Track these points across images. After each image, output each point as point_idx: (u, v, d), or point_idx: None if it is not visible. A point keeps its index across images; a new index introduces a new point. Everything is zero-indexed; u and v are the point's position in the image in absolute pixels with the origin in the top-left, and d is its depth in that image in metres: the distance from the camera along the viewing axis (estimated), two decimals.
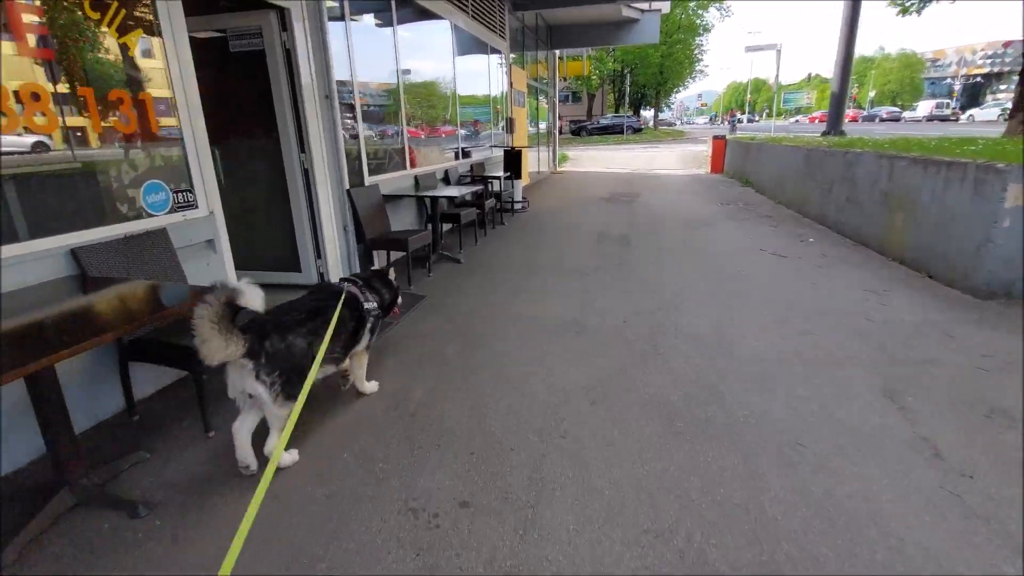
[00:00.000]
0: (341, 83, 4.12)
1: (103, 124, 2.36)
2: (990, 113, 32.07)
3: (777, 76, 15.84)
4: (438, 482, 1.95)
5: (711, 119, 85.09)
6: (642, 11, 12.58)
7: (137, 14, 2.48)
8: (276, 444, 1.92)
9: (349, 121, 4.36)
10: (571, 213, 8.15)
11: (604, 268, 4.84)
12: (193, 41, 2.72)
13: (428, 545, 1.65)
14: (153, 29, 2.55)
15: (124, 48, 2.41)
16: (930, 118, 36.92)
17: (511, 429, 2.28)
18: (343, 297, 2.15)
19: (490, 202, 6.64)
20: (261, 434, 2.00)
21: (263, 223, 4.21)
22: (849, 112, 48.47)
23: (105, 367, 2.38)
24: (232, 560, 0.56)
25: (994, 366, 2.71)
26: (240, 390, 1.89)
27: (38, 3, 2.10)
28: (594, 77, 34.48)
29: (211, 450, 2.19)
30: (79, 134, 2.29)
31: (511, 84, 9.74)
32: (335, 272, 4.14)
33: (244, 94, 3.91)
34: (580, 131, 34.93)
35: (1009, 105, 31.41)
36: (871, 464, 1.97)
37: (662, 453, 2.08)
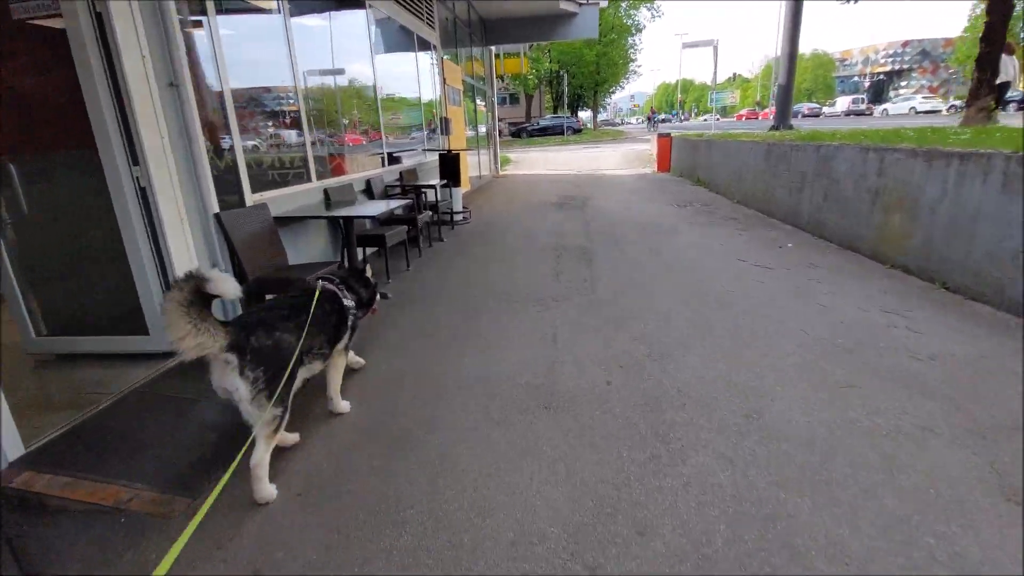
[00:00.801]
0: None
1: None
2: (901, 107, 34.17)
3: (715, 72, 15.72)
4: None
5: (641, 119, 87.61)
6: (579, 3, 11.89)
7: None
8: (261, 455, 1.78)
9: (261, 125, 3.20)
10: (520, 222, 7.22)
11: (567, 295, 3.93)
12: None
13: None
14: None
15: None
16: (847, 113, 39.03)
17: None
18: (319, 291, 2.13)
19: (425, 215, 5.59)
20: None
21: (91, 268, 2.98)
22: (775, 109, 50.85)
23: None
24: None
25: None
26: (221, 387, 1.76)
27: None
28: (531, 77, 33.92)
29: None
30: None
31: (444, 80, 8.71)
32: None
33: (50, 87, 2.70)
34: (520, 133, 34.24)
35: (916, 102, 33.70)
36: None
37: None
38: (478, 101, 12.63)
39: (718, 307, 3.51)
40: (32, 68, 2.76)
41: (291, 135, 4.16)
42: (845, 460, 1.88)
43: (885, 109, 36.12)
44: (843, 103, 41.95)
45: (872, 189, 4.49)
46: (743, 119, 49.25)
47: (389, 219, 5.02)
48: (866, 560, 1.45)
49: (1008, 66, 8.34)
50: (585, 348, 2.96)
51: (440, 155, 7.16)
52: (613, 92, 47.49)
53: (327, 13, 4.96)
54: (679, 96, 72.33)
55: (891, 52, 76.09)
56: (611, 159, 17.83)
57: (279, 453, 2.05)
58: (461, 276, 4.69)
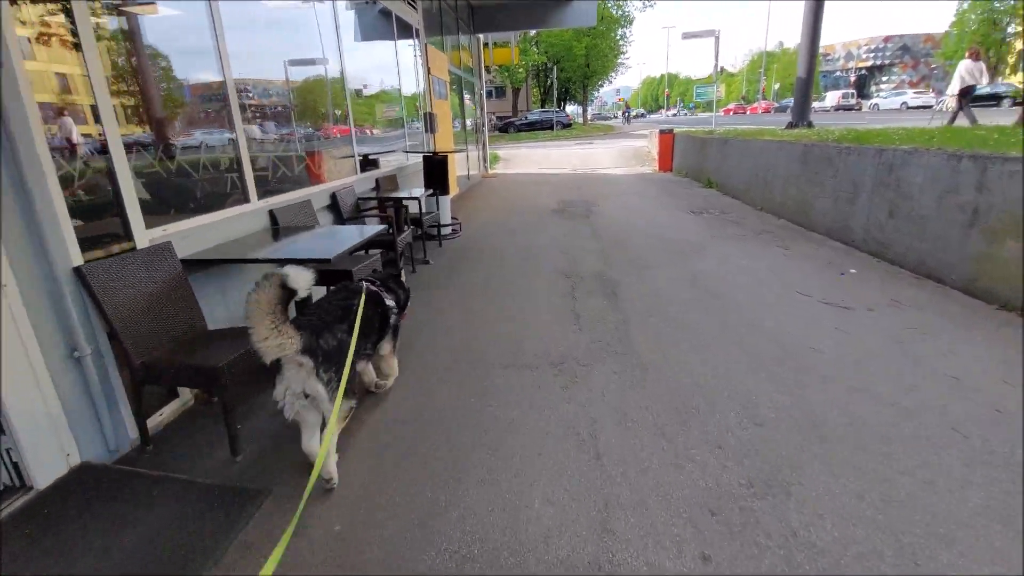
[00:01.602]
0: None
1: None
2: (892, 102, 33.63)
3: (716, 64, 14.77)
4: None
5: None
6: None
7: None
8: (325, 437, 1.58)
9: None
10: (518, 237, 6.20)
11: (597, 354, 2.94)
12: None
13: None
14: None
15: None
16: (837, 108, 38.56)
17: None
18: (365, 293, 2.13)
19: (406, 235, 4.54)
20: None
21: None
22: (763, 103, 50.40)
23: None
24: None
25: None
26: (297, 391, 1.75)
27: None
28: (520, 69, 32.72)
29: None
30: None
31: (429, 70, 7.63)
32: (42, 477, 1.90)
33: None
34: (508, 127, 32.91)
35: (907, 97, 33.16)
36: None
37: None
38: (465, 95, 11.55)
39: (809, 380, 2.56)
40: None
41: (221, 138, 3.08)
42: None
43: (875, 104, 35.60)
44: (832, 98, 41.46)
45: (965, 207, 3.58)
46: (731, 114, 48.61)
47: (360, 247, 3.96)
48: None
49: (974, 71, 8.70)
50: (647, 470, 1.97)
51: (425, 158, 6.09)
52: (602, 85, 46.51)
53: None
54: (666, 90, 71.54)
55: (873, 47, 76.34)
56: (606, 156, 16.84)
57: None
58: (449, 324, 3.66)
